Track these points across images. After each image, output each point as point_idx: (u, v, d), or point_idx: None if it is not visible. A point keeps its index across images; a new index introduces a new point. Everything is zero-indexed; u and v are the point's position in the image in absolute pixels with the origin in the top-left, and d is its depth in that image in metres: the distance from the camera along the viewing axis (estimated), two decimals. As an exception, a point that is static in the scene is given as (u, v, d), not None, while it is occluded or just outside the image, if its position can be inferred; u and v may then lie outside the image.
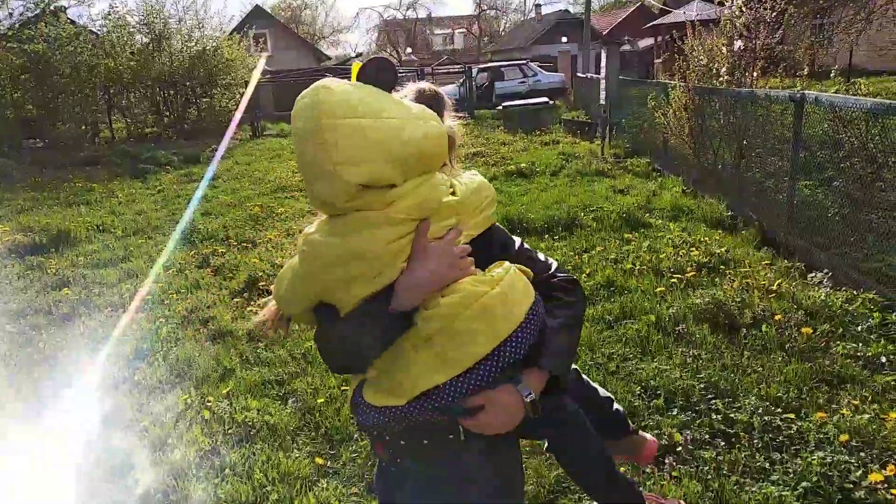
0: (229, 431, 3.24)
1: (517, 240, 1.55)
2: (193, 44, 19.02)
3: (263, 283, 5.43)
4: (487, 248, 1.43)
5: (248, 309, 4.99)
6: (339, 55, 49.70)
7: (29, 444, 3.24)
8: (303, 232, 1.39)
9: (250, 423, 3.31)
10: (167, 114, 19.03)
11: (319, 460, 3.01)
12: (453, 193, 1.39)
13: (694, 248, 5.48)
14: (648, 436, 2.25)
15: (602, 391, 2.19)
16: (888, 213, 5.29)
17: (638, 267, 5.19)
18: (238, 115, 17.28)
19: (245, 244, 6.96)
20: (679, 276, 4.85)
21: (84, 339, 4.70)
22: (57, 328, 4.93)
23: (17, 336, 4.81)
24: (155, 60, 18.29)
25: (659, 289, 4.67)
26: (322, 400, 3.51)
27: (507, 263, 1.40)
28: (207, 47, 19.01)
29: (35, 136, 17.41)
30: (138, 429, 3.36)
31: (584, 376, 2.20)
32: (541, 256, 1.54)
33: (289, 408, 3.52)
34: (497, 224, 1.52)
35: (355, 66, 1.33)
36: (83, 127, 17.64)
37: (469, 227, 1.41)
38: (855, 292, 4.29)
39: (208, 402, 3.53)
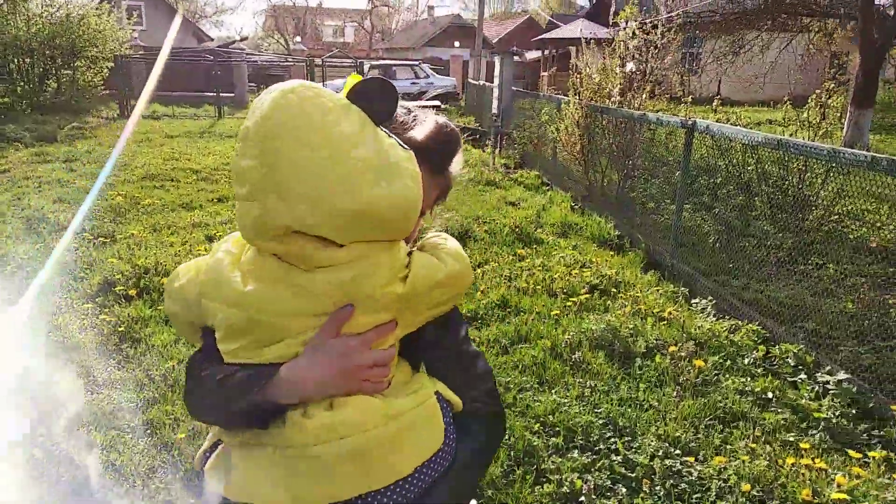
0: (63, 477, 2.70)
1: (462, 328, 1.18)
2: (55, 9, 17.18)
3: (120, 288, 4.77)
4: (418, 334, 1.10)
5: (101, 317, 4.35)
6: (221, 36, 47.36)
7: None
8: (223, 239, 1.09)
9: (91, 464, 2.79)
10: (21, 84, 17.05)
11: (176, 513, 2.55)
12: (405, 278, 1.02)
13: (586, 269, 5.43)
14: None
15: None
16: (761, 241, 5.53)
17: (531, 286, 5.06)
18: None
19: (102, 239, 6.18)
20: (573, 298, 4.76)
21: None
22: None
23: None
24: (9, 23, 16.32)
25: (554, 312, 4.55)
26: (182, 434, 3.04)
27: (425, 385, 1.08)
28: (72, 14, 17.23)
29: None
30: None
31: None
32: (480, 365, 1.18)
33: (141, 444, 3.02)
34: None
35: (352, 78, 0.98)
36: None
37: (411, 326, 1.07)
38: (739, 322, 4.36)
39: (40, 437, 2.95)
